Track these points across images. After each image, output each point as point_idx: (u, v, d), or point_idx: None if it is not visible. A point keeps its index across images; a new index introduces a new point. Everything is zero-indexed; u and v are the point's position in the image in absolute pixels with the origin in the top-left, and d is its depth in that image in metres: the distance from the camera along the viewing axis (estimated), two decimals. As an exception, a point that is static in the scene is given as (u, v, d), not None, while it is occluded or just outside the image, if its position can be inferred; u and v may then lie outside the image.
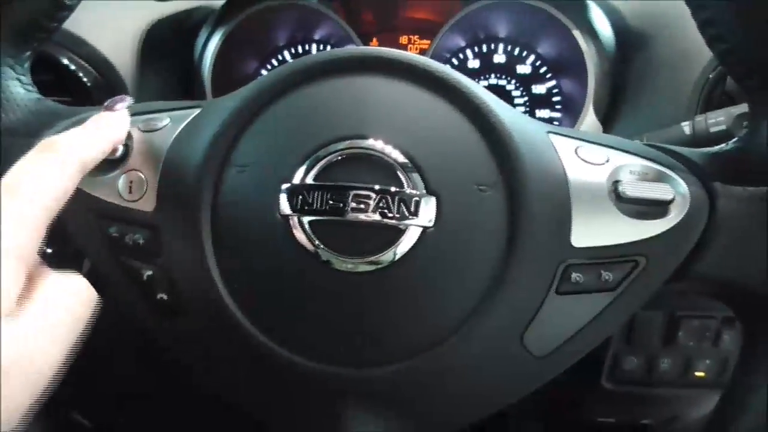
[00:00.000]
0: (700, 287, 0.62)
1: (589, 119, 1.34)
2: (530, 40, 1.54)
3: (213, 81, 1.39)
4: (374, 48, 0.82)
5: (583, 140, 0.64)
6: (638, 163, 0.61)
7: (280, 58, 1.63)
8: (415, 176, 0.55)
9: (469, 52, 1.59)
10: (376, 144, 0.56)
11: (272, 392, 0.58)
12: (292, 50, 1.63)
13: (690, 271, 0.59)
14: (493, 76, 1.57)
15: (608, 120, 1.34)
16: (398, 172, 0.55)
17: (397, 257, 0.54)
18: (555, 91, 1.55)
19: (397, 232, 0.55)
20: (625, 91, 1.34)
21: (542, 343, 0.58)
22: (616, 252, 0.57)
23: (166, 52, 1.41)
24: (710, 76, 1.09)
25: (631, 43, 1.38)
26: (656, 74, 1.29)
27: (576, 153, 0.61)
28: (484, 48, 1.58)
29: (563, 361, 0.59)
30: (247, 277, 0.57)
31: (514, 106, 1.57)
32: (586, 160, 0.62)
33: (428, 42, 1.64)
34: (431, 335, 0.55)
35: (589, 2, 1.44)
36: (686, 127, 0.92)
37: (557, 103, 1.55)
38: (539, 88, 1.56)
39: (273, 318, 0.56)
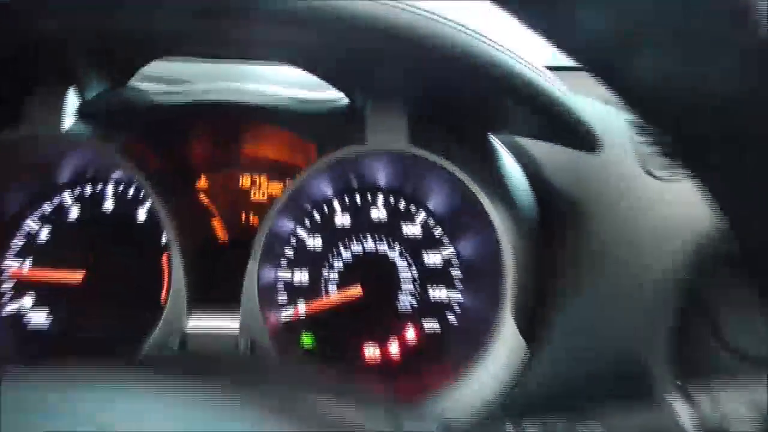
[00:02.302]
0: None
1: (507, 332, 0.92)
2: (419, 191, 1.12)
3: None
4: None
5: None
6: None
7: (56, 200, 1.08)
8: None
9: (336, 203, 1.13)
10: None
11: None
12: (77, 191, 1.10)
13: None
14: (369, 238, 1.13)
15: (536, 325, 0.93)
16: None
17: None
18: (454, 261, 1.13)
19: None
20: (555, 282, 0.93)
21: None
22: None
23: None
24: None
25: (560, 207, 0.99)
26: (600, 261, 0.90)
27: None
28: (358, 199, 1.14)
29: None
30: None
31: (399, 281, 1.12)
32: None
33: (280, 185, 1.17)
34: None
35: (496, 146, 1.05)
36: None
37: (457, 278, 1.13)
38: (433, 258, 1.13)
39: None
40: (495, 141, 1.08)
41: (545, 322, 0.94)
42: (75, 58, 0.85)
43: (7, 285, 1.08)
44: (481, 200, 0.96)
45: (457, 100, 0.92)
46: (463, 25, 0.71)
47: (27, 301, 1.09)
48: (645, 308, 0.90)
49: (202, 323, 0.94)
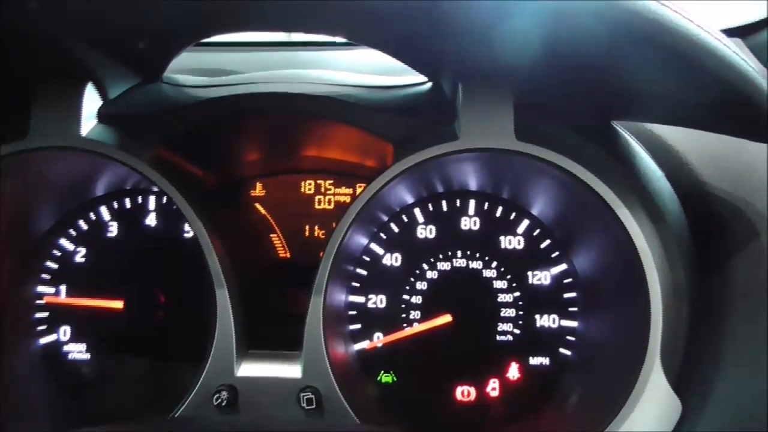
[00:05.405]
0: None
1: (653, 380, 0.69)
2: (521, 195, 0.90)
3: None
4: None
5: None
6: None
7: (91, 217, 0.93)
8: None
9: (418, 212, 0.92)
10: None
11: None
12: (115, 205, 0.94)
13: None
14: (459, 254, 0.91)
15: (692, 375, 0.69)
16: None
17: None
18: (568, 281, 0.89)
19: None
20: (719, 317, 0.70)
21: None
22: None
23: None
24: None
25: (718, 214, 0.75)
26: None
27: None
28: (445, 207, 0.92)
29: None
30: None
31: (498, 306, 0.90)
32: None
33: (349, 192, 0.97)
34: None
35: (624, 137, 0.81)
36: None
37: (573, 302, 0.90)
38: (540, 277, 0.91)
39: None
40: (621, 130, 0.84)
41: (705, 371, 0.69)
42: (88, 49, 0.67)
43: (42, 314, 0.94)
44: (613, 205, 0.73)
45: (583, 80, 0.68)
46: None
47: (64, 332, 0.94)
48: None
49: (256, 370, 0.77)
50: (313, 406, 0.74)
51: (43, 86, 0.74)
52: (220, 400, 0.74)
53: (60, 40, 0.62)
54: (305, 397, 0.74)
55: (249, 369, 0.76)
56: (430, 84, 0.83)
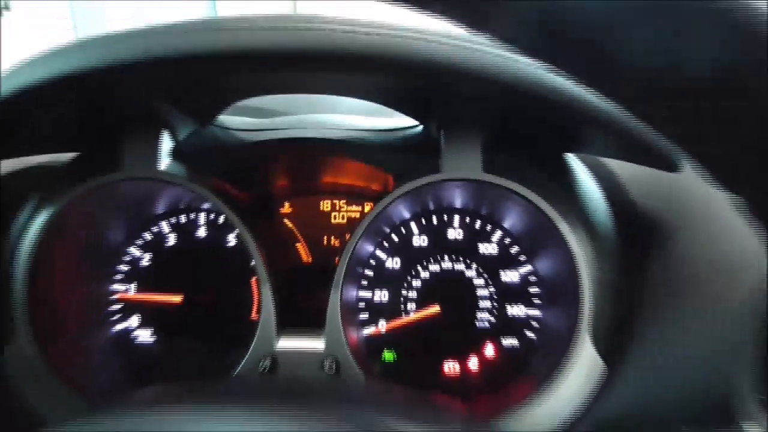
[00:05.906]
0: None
1: (585, 353, 0.92)
2: (494, 212, 1.13)
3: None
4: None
5: None
6: None
7: (154, 230, 1.18)
8: None
9: (414, 225, 1.16)
10: None
11: None
12: (173, 220, 1.18)
13: None
14: (447, 258, 1.15)
15: (616, 347, 0.92)
16: None
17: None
18: (532, 279, 1.13)
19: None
20: (639, 307, 0.92)
21: None
22: None
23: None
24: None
25: (641, 229, 0.98)
26: (682, 284, 0.89)
27: None
28: (435, 221, 1.16)
29: None
30: None
31: (477, 298, 1.14)
32: None
33: (358, 209, 1.22)
34: None
35: (572, 166, 1.04)
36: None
37: (536, 295, 1.13)
38: (510, 276, 1.14)
39: None
40: (573, 160, 1.08)
41: (625, 344, 0.93)
42: (162, 106, 0.93)
43: (116, 307, 1.19)
44: (557, 223, 0.97)
45: (531, 126, 0.93)
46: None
47: (133, 321, 1.19)
48: (731, 331, 0.88)
49: (290, 344, 1.00)
50: (334, 370, 0.98)
51: (130, 130, 0.99)
52: (264, 367, 0.98)
53: (144, 99, 0.88)
54: (328, 364, 0.98)
55: (285, 343, 1.00)
56: (420, 127, 1.08)
